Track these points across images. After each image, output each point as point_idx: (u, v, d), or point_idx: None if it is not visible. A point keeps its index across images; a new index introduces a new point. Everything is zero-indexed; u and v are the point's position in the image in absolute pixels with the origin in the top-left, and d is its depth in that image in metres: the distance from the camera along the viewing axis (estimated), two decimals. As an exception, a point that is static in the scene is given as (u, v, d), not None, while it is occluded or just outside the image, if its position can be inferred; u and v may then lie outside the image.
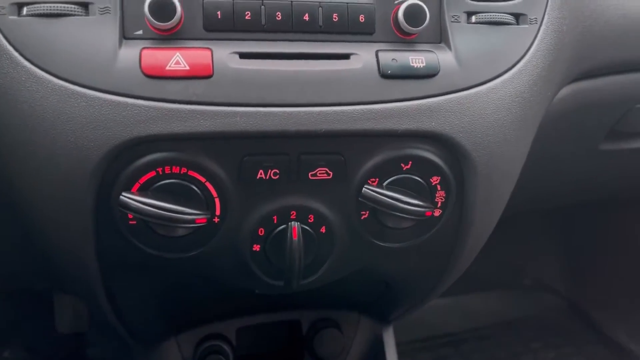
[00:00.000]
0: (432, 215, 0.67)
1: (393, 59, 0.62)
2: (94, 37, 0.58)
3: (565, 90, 0.84)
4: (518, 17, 0.68)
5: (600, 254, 1.78)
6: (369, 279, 0.83)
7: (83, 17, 0.58)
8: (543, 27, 0.69)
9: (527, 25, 0.68)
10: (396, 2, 0.64)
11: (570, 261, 1.87)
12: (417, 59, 0.62)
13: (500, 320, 1.83)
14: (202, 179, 0.60)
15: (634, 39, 0.85)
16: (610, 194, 1.42)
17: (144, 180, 0.59)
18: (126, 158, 0.59)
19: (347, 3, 0.63)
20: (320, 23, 0.62)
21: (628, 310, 1.70)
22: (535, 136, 0.79)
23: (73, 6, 0.58)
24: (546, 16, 0.69)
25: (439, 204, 0.67)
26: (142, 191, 0.59)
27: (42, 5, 0.57)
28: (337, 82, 0.61)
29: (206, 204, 0.61)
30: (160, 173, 0.59)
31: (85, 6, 0.58)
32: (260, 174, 0.62)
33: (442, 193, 0.67)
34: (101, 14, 0.58)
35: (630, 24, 0.84)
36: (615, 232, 1.71)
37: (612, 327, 1.74)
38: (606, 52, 0.84)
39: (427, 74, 0.63)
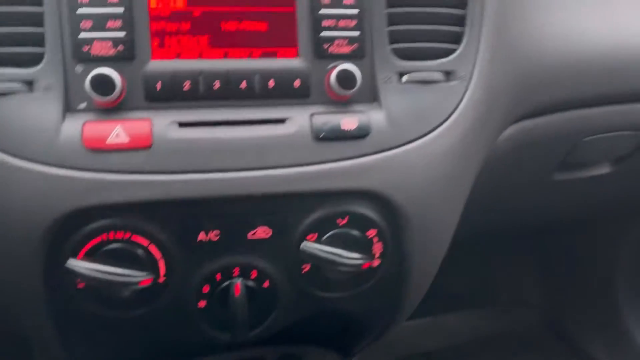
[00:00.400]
0: (371, 266, 0.70)
1: (325, 122, 0.66)
2: (38, 112, 0.61)
3: (509, 130, 0.88)
4: (448, 74, 0.72)
5: (574, 270, 1.81)
6: (324, 319, 0.86)
7: (27, 94, 0.61)
8: (473, 81, 0.73)
9: (456, 82, 0.72)
10: (329, 66, 0.68)
11: (545, 277, 1.91)
12: (349, 121, 0.66)
13: (479, 337, 1.85)
14: (146, 243, 0.64)
15: (571, 79, 0.89)
16: (571, 218, 1.45)
17: (90, 246, 0.62)
18: (71, 227, 0.62)
19: (283, 69, 0.67)
20: (257, 89, 0.66)
21: (604, 324, 1.73)
22: (486, 175, 0.83)
23: (18, 84, 0.61)
24: (476, 71, 0.73)
25: (377, 255, 0.70)
26: (89, 256, 0.62)
27: (-12, 85, 0.60)
28: (272, 147, 0.64)
29: (151, 266, 0.64)
30: (105, 239, 0.62)
31: (30, 84, 0.62)
32: (202, 235, 0.65)
33: (380, 245, 0.70)
34: (45, 90, 0.62)
35: (567, 65, 0.88)
36: (588, 247, 1.74)
37: (588, 341, 1.77)
38: (544, 94, 0.87)
39: (359, 135, 0.66)
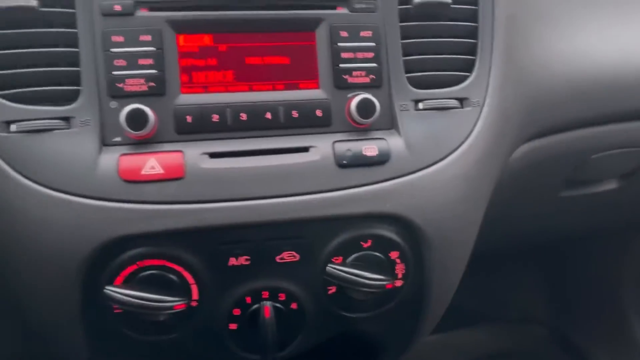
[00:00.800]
0: (394, 286, 0.73)
1: (348, 150, 0.69)
2: (76, 146, 0.64)
3: (519, 150, 0.91)
4: (462, 101, 0.75)
5: (581, 284, 1.83)
6: (347, 338, 0.88)
7: (65, 130, 0.65)
8: (485, 108, 0.76)
9: (470, 108, 0.75)
10: (348, 95, 0.71)
11: (553, 292, 1.92)
12: (369, 148, 0.69)
13: (490, 353, 1.86)
14: (179, 269, 0.66)
15: (578, 99, 0.92)
16: (578, 233, 1.48)
17: (126, 273, 0.65)
18: (108, 255, 0.65)
19: (305, 100, 0.70)
20: (282, 120, 0.69)
21: (612, 338, 1.74)
22: (497, 192, 0.85)
23: (56, 121, 0.64)
24: (488, 97, 0.76)
25: (400, 276, 0.73)
26: (126, 283, 0.65)
27: (28, 122, 0.64)
28: (298, 174, 0.67)
29: (185, 291, 0.67)
30: (141, 266, 0.65)
31: (67, 120, 0.65)
32: (232, 261, 0.68)
33: (402, 266, 0.73)
34: (82, 126, 0.65)
35: (573, 86, 0.91)
36: (594, 261, 1.76)
37: (596, 355, 1.78)
38: (552, 114, 0.91)
39: (380, 161, 0.69)
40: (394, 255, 0.72)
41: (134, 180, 0.64)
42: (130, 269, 0.65)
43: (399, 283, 0.73)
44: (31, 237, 0.64)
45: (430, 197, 0.71)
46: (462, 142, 0.74)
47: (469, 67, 0.77)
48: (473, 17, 0.78)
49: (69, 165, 0.64)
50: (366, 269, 0.70)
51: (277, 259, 0.69)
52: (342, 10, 0.72)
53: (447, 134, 0.73)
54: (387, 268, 0.72)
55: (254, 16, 0.70)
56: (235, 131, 0.68)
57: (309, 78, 0.71)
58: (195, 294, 0.68)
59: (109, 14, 0.66)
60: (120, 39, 0.66)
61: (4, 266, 0.67)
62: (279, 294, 0.71)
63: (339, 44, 0.71)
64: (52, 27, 0.66)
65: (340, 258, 0.71)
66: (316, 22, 0.71)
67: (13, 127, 0.64)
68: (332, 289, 0.72)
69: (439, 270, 0.76)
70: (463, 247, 0.79)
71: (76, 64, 0.66)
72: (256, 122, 0.69)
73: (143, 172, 0.64)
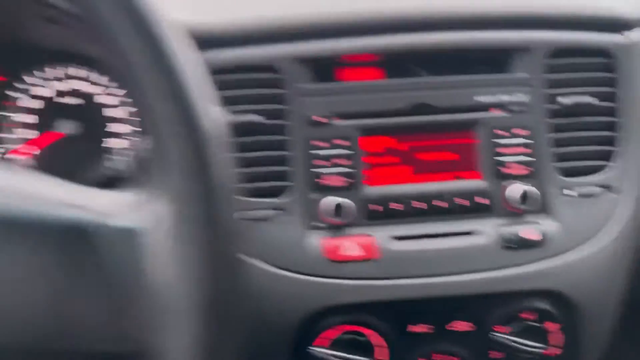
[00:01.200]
0: (551, 353, 0.83)
1: (511, 234, 0.81)
2: (288, 231, 0.80)
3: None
4: (604, 187, 0.86)
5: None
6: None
7: (279, 217, 0.80)
8: (624, 192, 0.86)
9: (612, 194, 0.85)
10: (505, 184, 0.83)
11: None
12: (529, 232, 0.81)
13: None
14: (370, 333, 0.80)
15: None
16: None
17: (328, 336, 0.79)
18: (315, 320, 0.79)
19: (470, 190, 0.83)
20: (451, 207, 0.82)
21: None
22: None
23: (273, 211, 0.80)
24: (626, 183, 0.86)
25: (556, 345, 0.83)
26: (328, 344, 0.79)
27: (252, 212, 0.80)
28: (470, 255, 0.80)
29: (373, 352, 0.80)
30: (340, 331, 0.79)
31: (281, 209, 0.80)
32: (414, 328, 0.81)
33: (558, 335, 0.82)
34: (291, 214, 0.80)
35: None
36: None
37: None
38: None
39: (538, 243, 0.81)
40: (550, 325, 0.82)
41: (336, 260, 0.78)
42: (331, 332, 0.79)
43: (555, 350, 0.83)
44: (254, 305, 0.79)
45: (583, 273, 0.81)
46: (607, 223, 0.84)
47: (608, 156, 0.87)
48: (612, 111, 0.88)
49: (283, 246, 0.79)
50: (526, 337, 0.81)
51: (449, 327, 0.81)
52: (498, 112, 0.85)
53: (593, 217, 0.84)
54: (545, 337, 0.82)
55: (424, 120, 0.84)
56: (413, 217, 0.82)
57: (472, 170, 0.84)
58: (382, 355, 0.80)
59: (310, 123, 0.82)
60: (319, 143, 0.82)
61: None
62: (449, 357, 0.82)
63: (497, 140, 0.84)
64: (268, 135, 0.82)
65: (504, 327, 0.82)
66: (475, 123, 0.84)
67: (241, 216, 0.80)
68: (496, 355, 0.83)
69: (590, 337, 0.85)
70: (610, 315, 0.88)
71: (286, 164, 0.82)
72: (430, 209, 0.82)
73: (344, 253, 0.78)
